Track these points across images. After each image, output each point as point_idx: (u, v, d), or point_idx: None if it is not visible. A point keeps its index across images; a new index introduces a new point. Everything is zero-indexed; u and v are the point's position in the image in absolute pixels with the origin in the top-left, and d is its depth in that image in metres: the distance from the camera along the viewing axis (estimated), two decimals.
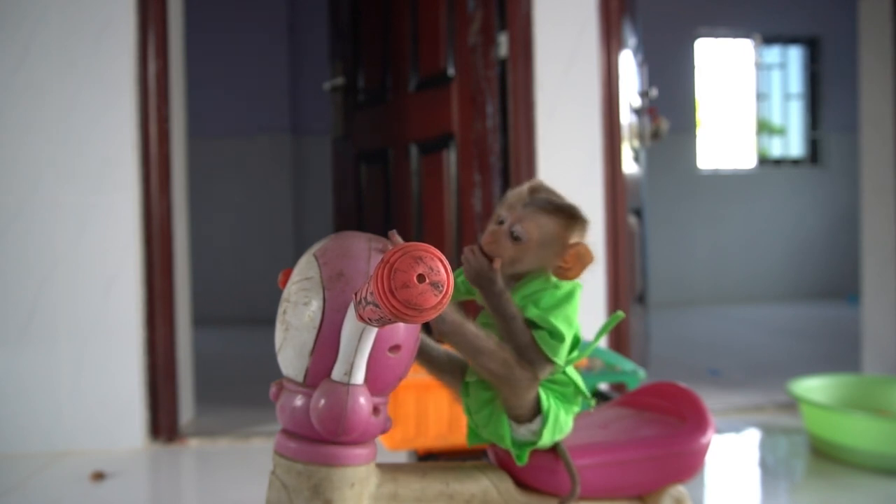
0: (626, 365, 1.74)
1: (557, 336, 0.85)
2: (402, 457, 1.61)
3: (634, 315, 2.57)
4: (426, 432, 1.42)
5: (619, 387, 1.91)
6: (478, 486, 0.87)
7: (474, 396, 0.91)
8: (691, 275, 5.61)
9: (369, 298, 0.64)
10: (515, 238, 0.89)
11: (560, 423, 0.89)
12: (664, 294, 5.26)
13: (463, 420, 1.43)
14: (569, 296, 0.88)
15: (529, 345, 0.85)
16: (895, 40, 2.55)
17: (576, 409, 0.92)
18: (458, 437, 1.44)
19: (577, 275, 0.89)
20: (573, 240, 0.90)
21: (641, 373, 1.72)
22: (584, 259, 0.89)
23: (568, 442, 0.93)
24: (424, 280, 0.62)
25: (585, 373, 1.71)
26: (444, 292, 0.63)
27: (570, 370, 0.91)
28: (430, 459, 1.46)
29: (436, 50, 2.42)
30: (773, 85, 5.92)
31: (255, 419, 2.30)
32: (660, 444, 0.96)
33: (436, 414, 1.43)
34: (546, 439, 0.88)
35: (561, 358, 0.85)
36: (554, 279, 0.90)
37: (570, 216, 0.92)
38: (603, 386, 1.88)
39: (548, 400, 0.88)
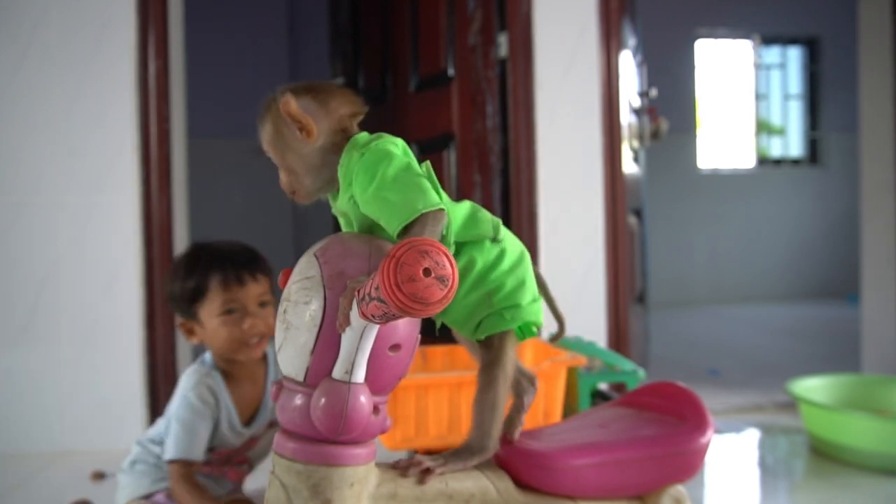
0: (626, 365, 1.74)
1: (406, 199, 0.77)
2: (401, 456, 1.61)
3: (634, 315, 2.57)
4: (426, 432, 1.43)
5: (618, 387, 1.91)
6: (477, 485, 0.87)
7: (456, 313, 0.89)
8: (691, 275, 5.62)
9: (374, 294, 0.65)
10: (280, 167, 0.87)
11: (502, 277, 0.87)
12: (664, 294, 5.26)
13: (463, 420, 1.44)
14: (378, 157, 0.81)
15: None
16: (895, 41, 2.55)
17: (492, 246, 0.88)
18: (458, 437, 1.44)
19: (308, 125, 0.84)
20: (284, 113, 0.84)
21: (641, 373, 1.72)
22: (287, 110, 0.83)
23: (568, 441, 0.94)
24: (430, 274, 0.62)
25: (585, 372, 1.71)
26: (449, 286, 0.63)
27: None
28: None
29: (436, 50, 2.42)
30: (773, 85, 5.93)
31: None
32: (659, 444, 0.96)
33: (436, 414, 1.43)
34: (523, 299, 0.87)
35: (429, 200, 0.77)
36: (347, 152, 0.84)
37: (266, 108, 0.88)
38: (602, 386, 1.88)
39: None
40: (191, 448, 1.20)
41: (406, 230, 0.76)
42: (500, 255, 0.88)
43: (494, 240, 0.88)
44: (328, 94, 0.87)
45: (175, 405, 1.24)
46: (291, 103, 0.84)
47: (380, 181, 0.79)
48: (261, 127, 0.88)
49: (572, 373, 1.69)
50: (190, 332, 1.26)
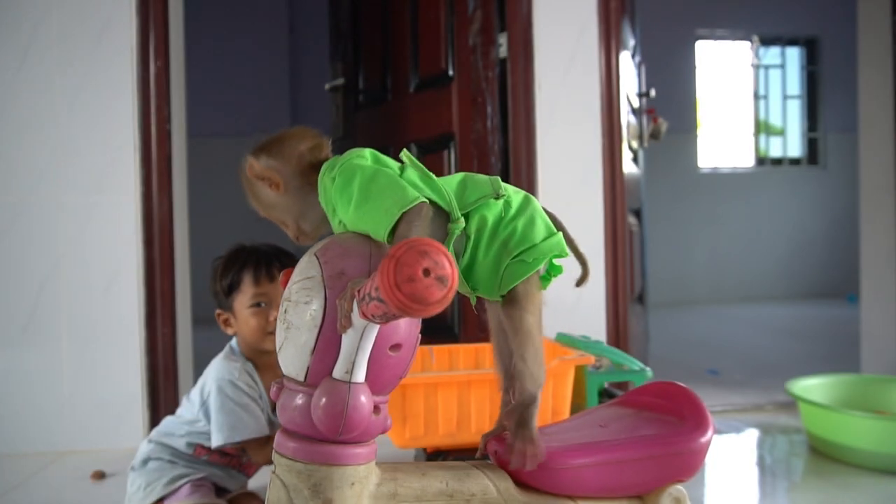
0: (634, 364, 1.74)
1: (383, 215, 0.79)
2: (410, 455, 1.61)
3: (634, 315, 2.57)
4: (435, 430, 1.43)
5: (621, 385, 1.91)
6: (477, 485, 0.88)
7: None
8: (691, 275, 5.62)
9: (374, 294, 0.65)
10: (276, 223, 0.93)
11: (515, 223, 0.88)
12: (664, 294, 5.27)
13: (471, 419, 1.44)
14: (347, 176, 0.84)
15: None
16: (894, 41, 2.55)
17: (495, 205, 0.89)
18: (467, 435, 1.44)
19: (273, 178, 0.90)
20: (251, 176, 0.92)
21: (649, 372, 1.72)
22: (251, 173, 0.90)
23: (568, 441, 0.94)
24: (430, 274, 0.63)
25: (593, 371, 1.71)
26: (449, 287, 0.63)
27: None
28: (439, 457, 1.47)
29: (436, 50, 2.42)
30: (772, 85, 5.93)
31: None
32: (659, 444, 0.96)
33: (445, 412, 1.43)
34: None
35: (405, 197, 0.79)
36: (321, 181, 0.88)
37: (241, 173, 0.94)
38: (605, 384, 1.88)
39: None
40: (259, 426, 1.31)
41: (393, 234, 0.79)
42: (507, 205, 0.89)
43: (497, 196, 0.89)
44: (280, 143, 0.92)
45: (217, 395, 1.32)
46: (254, 166, 0.90)
47: (356, 198, 0.82)
48: (246, 194, 0.95)
49: (580, 371, 1.70)
50: (226, 323, 1.41)
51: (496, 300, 0.91)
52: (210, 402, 1.32)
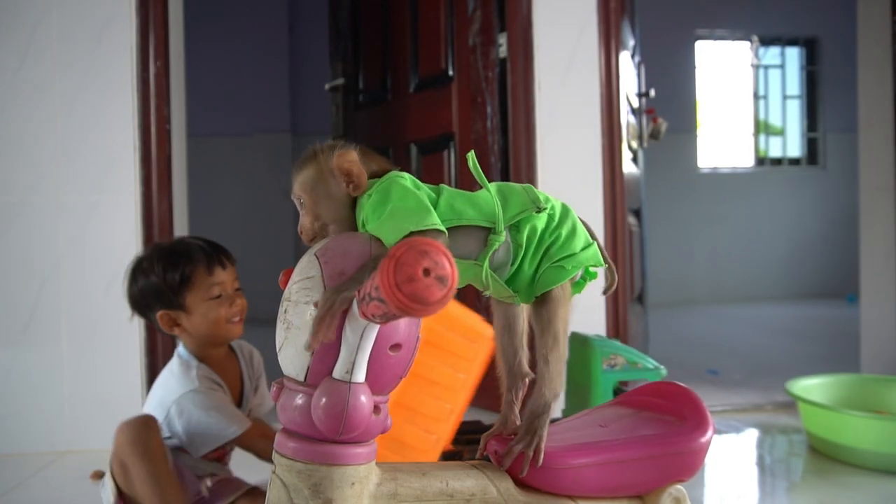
0: (648, 362, 1.75)
1: (390, 233, 0.81)
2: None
3: (634, 315, 2.57)
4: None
5: (626, 384, 1.91)
6: (477, 484, 0.88)
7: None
8: (691, 275, 5.62)
9: (374, 294, 0.65)
10: (303, 206, 0.90)
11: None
12: (663, 294, 5.27)
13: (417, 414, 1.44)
14: (384, 195, 0.86)
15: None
16: (893, 41, 2.55)
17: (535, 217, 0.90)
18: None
19: (361, 180, 0.89)
20: (331, 166, 0.89)
21: (663, 370, 1.73)
22: (347, 164, 0.88)
23: (568, 441, 0.94)
24: (430, 274, 0.63)
25: (608, 370, 1.72)
26: (448, 286, 0.63)
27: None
28: None
29: (436, 50, 2.42)
30: (772, 85, 5.93)
31: None
32: (659, 444, 0.96)
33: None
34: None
35: (423, 220, 0.81)
36: (362, 197, 0.89)
37: (309, 158, 0.91)
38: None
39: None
40: (240, 420, 1.27)
41: None
42: (551, 213, 0.91)
43: (539, 210, 0.90)
44: (364, 153, 0.91)
45: (187, 405, 1.27)
46: (354, 159, 0.88)
47: (385, 215, 0.83)
48: (298, 173, 0.92)
49: (586, 352, 1.69)
50: (174, 324, 1.32)
51: (529, 303, 0.92)
52: (183, 423, 1.27)
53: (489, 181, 0.93)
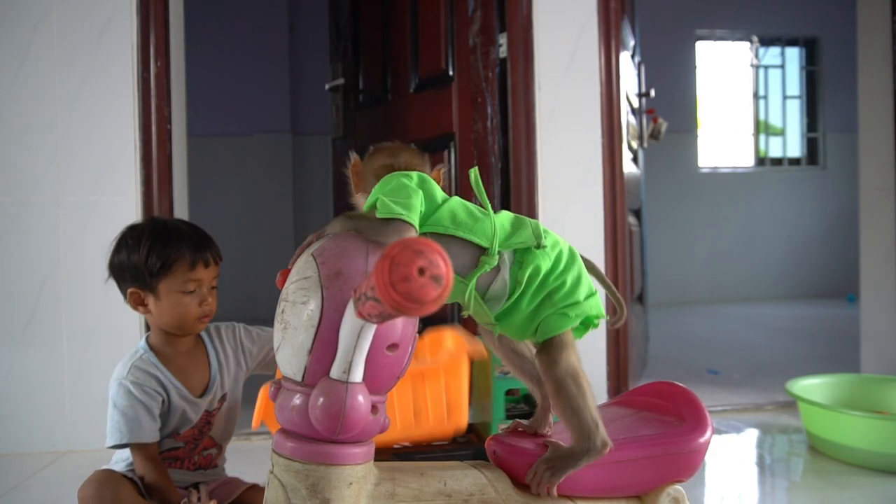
0: None
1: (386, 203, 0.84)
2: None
3: (634, 315, 2.57)
4: (393, 425, 1.42)
5: (514, 392, 1.87)
6: (475, 484, 0.88)
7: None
8: (690, 274, 5.62)
9: (369, 293, 0.65)
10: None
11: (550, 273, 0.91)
12: (663, 294, 5.27)
13: (427, 413, 1.45)
14: (382, 185, 0.89)
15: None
16: (893, 41, 2.55)
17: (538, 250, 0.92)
18: (426, 427, 1.45)
19: (354, 181, 0.97)
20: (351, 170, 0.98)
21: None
22: (349, 170, 0.97)
23: (566, 441, 0.94)
24: (425, 273, 0.63)
25: (500, 377, 1.66)
26: (444, 286, 0.64)
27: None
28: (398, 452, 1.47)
29: (436, 50, 2.42)
30: (772, 85, 5.93)
31: None
32: (658, 444, 0.96)
33: (401, 405, 1.43)
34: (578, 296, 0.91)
35: (395, 209, 0.83)
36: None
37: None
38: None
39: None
40: (139, 431, 1.23)
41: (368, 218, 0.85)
42: (558, 257, 0.91)
43: (538, 246, 0.91)
44: (396, 150, 0.97)
45: (112, 393, 1.26)
46: (352, 163, 0.97)
47: (372, 194, 0.87)
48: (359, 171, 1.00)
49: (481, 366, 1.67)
50: (140, 303, 1.30)
51: (520, 340, 0.94)
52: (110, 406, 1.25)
53: (488, 181, 0.94)
